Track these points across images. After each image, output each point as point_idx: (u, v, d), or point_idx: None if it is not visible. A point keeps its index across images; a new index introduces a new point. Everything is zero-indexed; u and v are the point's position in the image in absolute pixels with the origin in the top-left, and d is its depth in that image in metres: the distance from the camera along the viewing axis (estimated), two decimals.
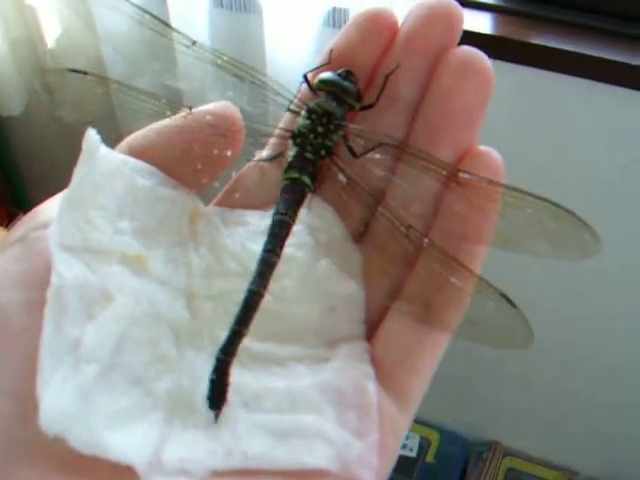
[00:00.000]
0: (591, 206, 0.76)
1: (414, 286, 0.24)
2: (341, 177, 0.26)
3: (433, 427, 1.15)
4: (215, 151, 0.24)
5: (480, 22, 0.78)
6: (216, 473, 0.20)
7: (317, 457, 0.21)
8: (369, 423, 0.21)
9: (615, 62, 0.72)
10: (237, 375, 0.22)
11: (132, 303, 0.22)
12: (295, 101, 0.27)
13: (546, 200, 0.23)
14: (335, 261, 0.25)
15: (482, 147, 0.24)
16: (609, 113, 0.79)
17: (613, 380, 1.03)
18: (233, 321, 0.23)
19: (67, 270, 0.20)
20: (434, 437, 1.14)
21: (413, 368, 0.23)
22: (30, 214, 0.23)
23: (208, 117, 0.24)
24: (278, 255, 0.24)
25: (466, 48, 0.24)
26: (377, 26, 0.25)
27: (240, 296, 0.23)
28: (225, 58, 0.27)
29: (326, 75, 0.26)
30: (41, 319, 0.19)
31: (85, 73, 0.26)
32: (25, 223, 0.22)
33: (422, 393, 0.23)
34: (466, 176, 0.23)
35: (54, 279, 0.20)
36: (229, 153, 0.25)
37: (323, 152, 0.26)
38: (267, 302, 0.23)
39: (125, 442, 0.19)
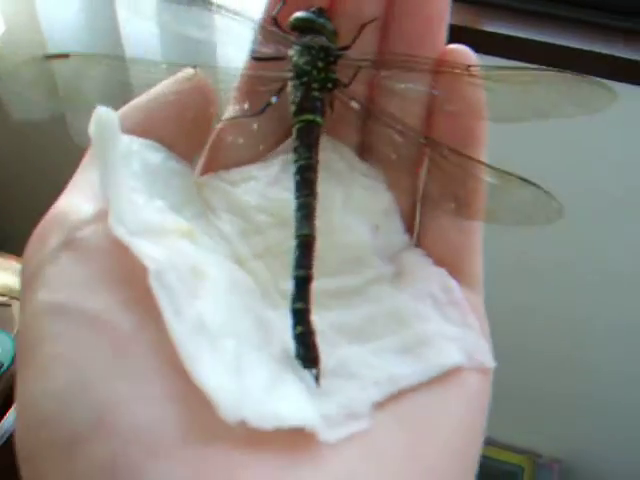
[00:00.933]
0: (582, 201, 0.77)
1: (436, 186, 0.25)
2: (354, 104, 0.26)
3: None
4: (202, 113, 0.24)
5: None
6: (376, 407, 0.20)
7: (450, 357, 0.21)
8: (467, 314, 0.23)
9: (588, 52, 0.74)
10: (331, 317, 0.22)
11: (219, 276, 0.21)
12: (255, 47, 0.26)
13: (550, 70, 0.24)
14: (360, 182, 0.25)
15: (451, 45, 0.25)
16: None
17: (573, 365, 1.06)
18: (293, 268, 0.22)
19: (153, 254, 0.19)
20: None
21: (470, 250, 0.24)
22: (51, 220, 0.20)
23: (185, 81, 0.24)
24: (315, 198, 0.24)
25: None
26: None
27: (285, 245, 0.23)
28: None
29: (301, 14, 0.25)
30: (144, 314, 0.18)
31: (66, 56, 0.24)
32: (55, 229, 0.20)
33: (483, 271, 0.25)
34: (450, 67, 0.24)
35: (149, 265, 0.18)
36: (212, 110, 0.24)
37: (330, 85, 0.25)
38: (320, 241, 0.23)
39: (291, 407, 0.19)
